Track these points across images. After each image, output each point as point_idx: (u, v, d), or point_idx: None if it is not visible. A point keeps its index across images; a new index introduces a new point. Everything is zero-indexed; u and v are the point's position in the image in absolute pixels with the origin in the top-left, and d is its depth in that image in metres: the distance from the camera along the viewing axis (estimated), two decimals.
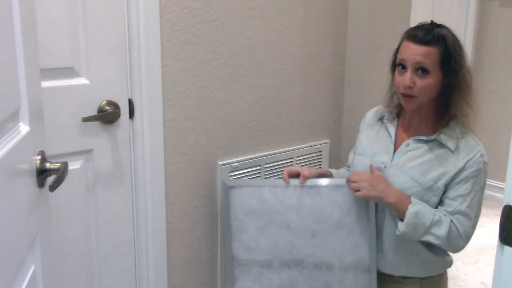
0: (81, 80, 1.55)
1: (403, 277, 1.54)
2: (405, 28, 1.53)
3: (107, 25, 1.56)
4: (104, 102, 1.59)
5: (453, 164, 1.44)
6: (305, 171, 1.59)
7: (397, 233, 1.42)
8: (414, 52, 1.40)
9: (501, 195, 0.93)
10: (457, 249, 1.48)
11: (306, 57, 2.07)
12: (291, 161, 2.07)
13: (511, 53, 3.50)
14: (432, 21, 1.46)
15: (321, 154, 2.18)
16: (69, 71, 1.52)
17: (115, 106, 1.61)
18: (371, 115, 1.67)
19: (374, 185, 1.43)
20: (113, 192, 1.68)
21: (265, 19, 1.90)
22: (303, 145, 2.13)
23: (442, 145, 1.46)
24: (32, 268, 0.97)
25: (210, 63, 1.78)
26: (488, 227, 3.31)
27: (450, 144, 1.45)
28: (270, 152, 2.01)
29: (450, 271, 2.74)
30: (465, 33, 3.57)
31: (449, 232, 1.42)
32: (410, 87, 1.42)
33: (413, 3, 2.34)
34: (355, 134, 2.21)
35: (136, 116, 1.66)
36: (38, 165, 1.00)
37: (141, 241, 1.76)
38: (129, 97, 1.65)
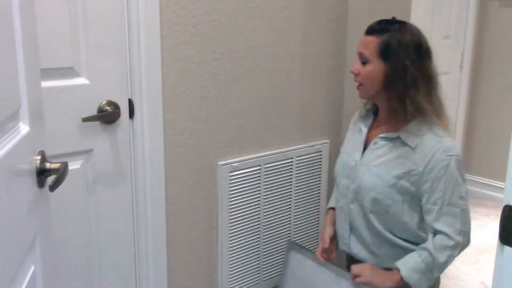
0: (81, 80, 1.55)
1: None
2: None
3: (107, 25, 1.56)
4: (104, 102, 1.59)
5: (415, 163, 1.47)
6: (325, 244, 1.69)
7: None
8: (361, 42, 1.53)
9: (501, 195, 0.93)
10: (461, 246, 1.49)
11: (306, 57, 2.07)
12: (291, 161, 2.07)
13: (511, 53, 3.50)
14: (393, 17, 1.54)
15: (321, 154, 2.18)
16: (69, 71, 1.52)
17: (115, 106, 1.61)
18: (356, 113, 1.74)
19: (373, 274, 1.55)
20: (113, 192, 1.68)
21: (265, 19, 1.90)
22: (303, 145, 2.13)
23: (404, 143, 1.50)
24: (32, 268, 0.97)
25: (210, 63, 1.78)
26: (488, 227, 3.31)
27: (411, 141, 1.48)
28: (270, 152, 2.01)
29: (450, 271, 2.74)
30: (465, 33, 3.57)
31: (438, 247, 1.45)
32: (355, 74, 1.54)
33: (413, 3, 2.34)
34: None
35: (136, 116, 1.66)
36: (38, 165, 1.00)
37: (141, 241, 1.76)
38: (129, 97, 1.65)
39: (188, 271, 1.89)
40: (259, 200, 1.98)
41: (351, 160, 1.61)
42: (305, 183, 2.14)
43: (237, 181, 1.91)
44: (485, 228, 3.30)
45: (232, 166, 1.89)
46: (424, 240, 1.54)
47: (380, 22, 1.52)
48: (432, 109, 1.49)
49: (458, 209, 1.47)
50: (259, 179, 1.97)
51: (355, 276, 1.56)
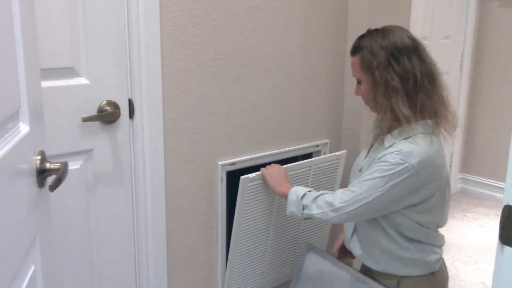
0: (81, 80, 1.55)
1: (384, 273, 1.60)
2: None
3: (107, 25, 1.56)
4: (104, 102, 1.59)
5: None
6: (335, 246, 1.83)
7: (287, 213, 1.63)
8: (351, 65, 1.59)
9: (501, 195, 0.93)
10: (326, 217, 1.53)
11: (306, 57, 2.07)
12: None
13: (511, 53, 3.50)
14: (368, 29, 1.55)
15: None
16: (69, 71, 1.52)
17: (115, 106, 1.61)
18: None
19: (275, 178, 1.75)
20: (113, 192, 1.68)
21: (265, 19, 1.90)
22: (303, 145, 2.13)
23: (383, 144, 1.53)
24: (32, 268, 0.97)
25: (210, 63, 1.78)
26: (488, 227, 3.31)
27: (387, 142, 1.51)
28: (270, 152, 2.01)
29: (450, 271, 2.74)
30: (465, 33, 3.57)
31: (318, 201, 1.54)
32: (360, 95, 1.58)
33: (413, 3, 2.34)
34: (355, 134, 2.22)
35: (136, 116, 1.66)
36: (38, 165, 1.00)
37: (141, 241, 1.76)
38: (129, 97, 1.65)
39: (188, 271, 1.89)
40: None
41: (357, 166, 1.65)
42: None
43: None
44: (485, 228, 3.31)
45: (232, 166, 1.89)
46: (435, 239, 1.57)
47: (357, 39, 1.56)
48: (412, 115, 1.47)
49: (357, 190, 1.48)
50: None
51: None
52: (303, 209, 1.58)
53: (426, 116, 1.50)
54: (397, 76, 1.46)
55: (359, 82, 1.56)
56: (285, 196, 1.66)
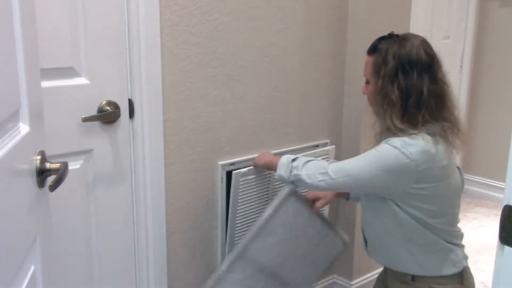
0: (81, 80, 1.55)
1: (412, 277, 1.58)
2: (406, 29, 1.56)
3: (107, 25, 1.56)
4: (104, 102, 1.59)
5: None
6: (321, 197, 1.75)
7: (275, 177, 1.63)
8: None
9: (501, 195, 0.93)
10: (313, 180, 1.52)
11: (306, 57, 2.07)
12: None
13: (511, 53, 3.50)
14: (390, 33, 1.54)
15: None
16: (69, 71, 1.52)
17: (115, 106, 1.61)
18: None
19: (260, 155, 1.81)
20: (113, 192, 1.68)
21: (265, 19, 1.90)
22: (303, 145, 2.13)
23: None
24: (32, 268, 0.97)
25: (210, 63, 1.78)
26: (488, 227, 3.31)
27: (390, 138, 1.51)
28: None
29: None
30: (465, 33, 3.57)
31: (309, 164, 1.54)
32: (365, 94, 1.59)
33: (413, 3, 2.34)
34: (355, 134, 2.22)
35: (136, 116, 1.66)
36: (38, 165, 1.00)
37: (141, 241, 1.75)
38: (129, 97, 1.65)
39: (188, 271, 1.89)
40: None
41: None
42: None
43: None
44: (485, 228, 3.30)
45: (232, 166, 1.89)
46: (452, 237, 1.60)
47: (376, 40, 1.56)
48: (409, 126, 1.45)
49: (350, 162, 1.50)
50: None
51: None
52: (291, 171, 1.56)
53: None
54: (398, 90, 1.45)
55: (367, 82, 1.57)
56: (272, 164, 1.65)
